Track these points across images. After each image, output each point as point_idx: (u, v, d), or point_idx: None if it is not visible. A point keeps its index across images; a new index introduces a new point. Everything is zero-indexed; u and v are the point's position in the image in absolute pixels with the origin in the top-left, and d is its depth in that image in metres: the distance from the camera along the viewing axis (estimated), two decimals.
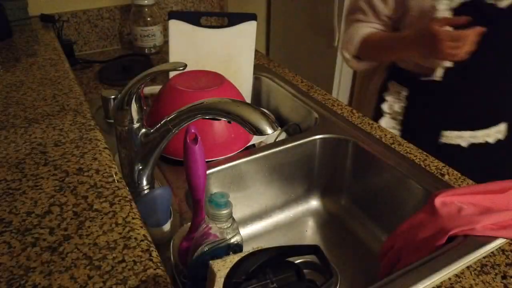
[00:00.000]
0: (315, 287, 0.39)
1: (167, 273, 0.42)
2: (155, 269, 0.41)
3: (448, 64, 0.87)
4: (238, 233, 0.48)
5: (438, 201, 0.59)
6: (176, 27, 0.91)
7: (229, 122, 0.78)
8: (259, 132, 0.48)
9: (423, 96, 0.95)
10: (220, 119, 0.75)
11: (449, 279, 0.51)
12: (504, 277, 0.51)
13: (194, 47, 0.93)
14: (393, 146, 0.78)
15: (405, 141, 0.79)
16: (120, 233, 0.45)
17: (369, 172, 0.80)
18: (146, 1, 1.16)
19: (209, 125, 0.76)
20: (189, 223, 0.56)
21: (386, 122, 0.99)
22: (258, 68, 1.10)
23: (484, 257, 0.54)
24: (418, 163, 0.73)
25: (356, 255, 0.78)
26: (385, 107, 1.00)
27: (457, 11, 0.82)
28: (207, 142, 0.75)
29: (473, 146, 0.93)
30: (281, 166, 0.81)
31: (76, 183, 0.52)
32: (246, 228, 0.82)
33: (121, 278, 0.40)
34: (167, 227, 0.62)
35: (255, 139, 0.84)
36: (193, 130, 0.50)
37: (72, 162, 0.55)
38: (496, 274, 0.52)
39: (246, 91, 0.96)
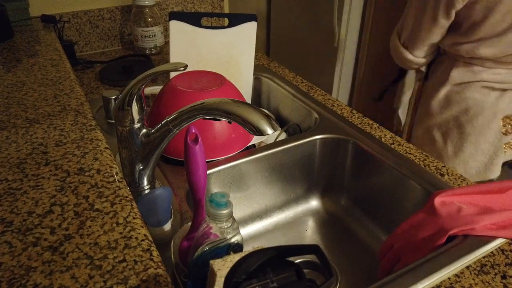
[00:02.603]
0: (315, 286, 0.39)
1: (167, 272, 0.42)
2: (155, 269, 0.41)
3: None
4: (239, 232, 0.49)
5: (437, 201, 0.59)
6: (177, 27, 0.91)
7: (229, 122, 0.78)
8: (260, 132, 0.49)
9: None
10: (220, 120, 0.76)
11: (449, 279, 0.51)
12: (503, 277, 0.51)
13: (194, 48, 0.93)
14: (392, 146, 0.78)
15: (405, 141, 0.79)
16: (121, 233, 0.45)
17: (369, 172, 0.80)
18: (146, 2, 1.16)
19: (210, 126, 0.76)
20: (190, 223, 0.56)
21: None
22: (258, 69, 1.10)
23: (483, 257, 0.54)
24: (418, 163, 0.73)
25: (356, 255, 0.78)
26: None
27: None
28: (207, 142, 0.76)
29: None
30: (281, 166, 0.81)
31: (77, 183, 0.52)
32: (246, 228, 0.82)
33: (122, 277, 0.40)
34: (167, 226, 0.62)
35: (255, 139, 0.84)
36: (193, 130, 0.51)
37: (73, 162, 0.55)
38: (495, 274, 0.52)
39: (246, 91, 0.96)
